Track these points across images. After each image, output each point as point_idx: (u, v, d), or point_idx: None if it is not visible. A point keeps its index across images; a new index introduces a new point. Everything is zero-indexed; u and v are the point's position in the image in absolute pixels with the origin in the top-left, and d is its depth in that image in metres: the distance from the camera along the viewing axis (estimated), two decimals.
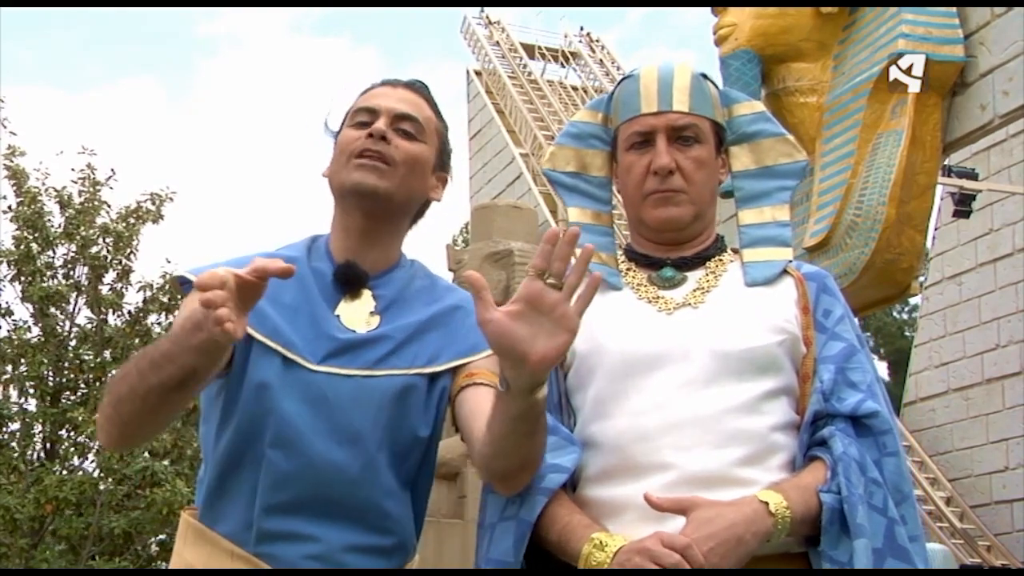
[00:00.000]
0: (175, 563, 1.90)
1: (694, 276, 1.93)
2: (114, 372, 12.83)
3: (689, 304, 1.88)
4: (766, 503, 1.67)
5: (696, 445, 1.74)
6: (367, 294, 1.93)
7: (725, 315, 1.85)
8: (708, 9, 7.10)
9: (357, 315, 1.91)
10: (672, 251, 1.95)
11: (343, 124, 2.00)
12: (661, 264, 1.94)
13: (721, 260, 1.95)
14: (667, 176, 1.88)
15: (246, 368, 1.85)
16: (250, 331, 1.83)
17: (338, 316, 1.90)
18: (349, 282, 1.92)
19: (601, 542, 1.68)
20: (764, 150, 2.00)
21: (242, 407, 1.85)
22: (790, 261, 1.96)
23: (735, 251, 2.00)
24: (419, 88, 2.02)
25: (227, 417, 1.87)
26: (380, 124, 1.92)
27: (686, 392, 1.78)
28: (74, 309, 13.46)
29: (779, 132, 2.02)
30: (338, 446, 1.83)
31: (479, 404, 1.81)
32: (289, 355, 1.85)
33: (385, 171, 1.90)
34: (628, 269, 1.97)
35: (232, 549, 1.82)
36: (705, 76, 1.96)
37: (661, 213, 1.90)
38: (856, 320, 1.95)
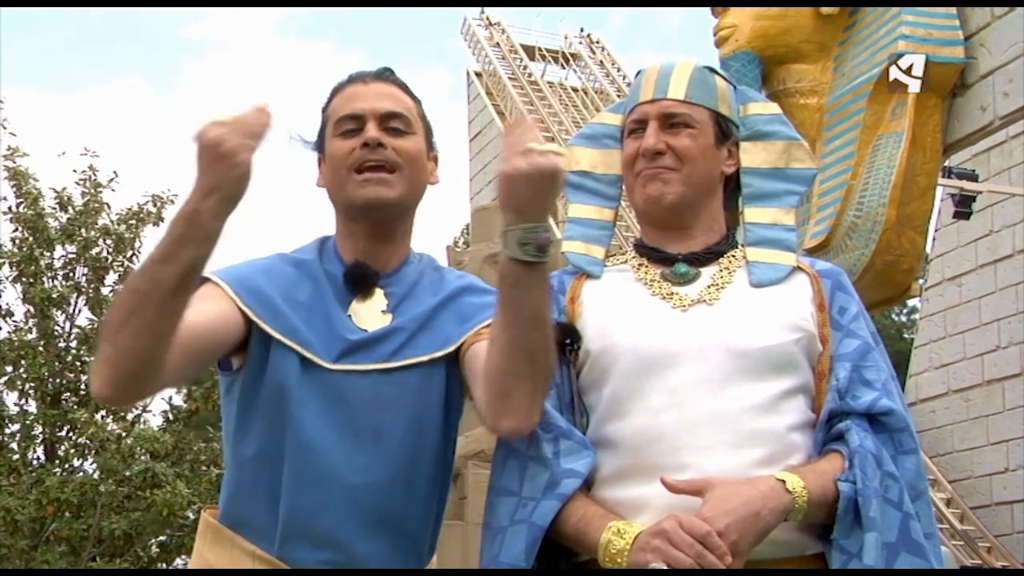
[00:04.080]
0: (195, 562, 1.89)
1: (707, 272, 1.92)
2: None
3: (704, 301, 1.87)
4: (783, 481, 1.68)
5: (714, 445, 1.74)
6: (379, 293, 1.93)
7: (741, 313, 1.84)
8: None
9: (369, 314, 1.90)
10: (680, 244, 1.94)
11: (324, 131, 1.96)
12: (673, 260, 1.94)
13: (734, 256, 1.95)
14: (654, 156, 1.90)
15: (265, 368, 1.84)
16: (267, 328, 1.83)
17: (350, 316, 1.89)
18: (359, 282, 1.91)
19: (620, 529, 1.69)
20: (777, 151, 2.01)
21: (261, 409, 1.83)
22: (794, 267, 1.94)
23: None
24: (389, 77, 1.98)
25: (246, 419, 1.86)
26: (372, 132, 1.88)
27: (703, 391, 1.77)
28: (74, 310, 13.45)
29: (794, 136, 2.04)
30: (359, 447, 1.82)
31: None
32: (306, 354, 1.83)
33: (392, 180, 1.88)
34: (640, 265, 1.96)
35: (254, 551, 1.81)
36: (713, 70, 1.98)
37: (648, 190, 1.91)
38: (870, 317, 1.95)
